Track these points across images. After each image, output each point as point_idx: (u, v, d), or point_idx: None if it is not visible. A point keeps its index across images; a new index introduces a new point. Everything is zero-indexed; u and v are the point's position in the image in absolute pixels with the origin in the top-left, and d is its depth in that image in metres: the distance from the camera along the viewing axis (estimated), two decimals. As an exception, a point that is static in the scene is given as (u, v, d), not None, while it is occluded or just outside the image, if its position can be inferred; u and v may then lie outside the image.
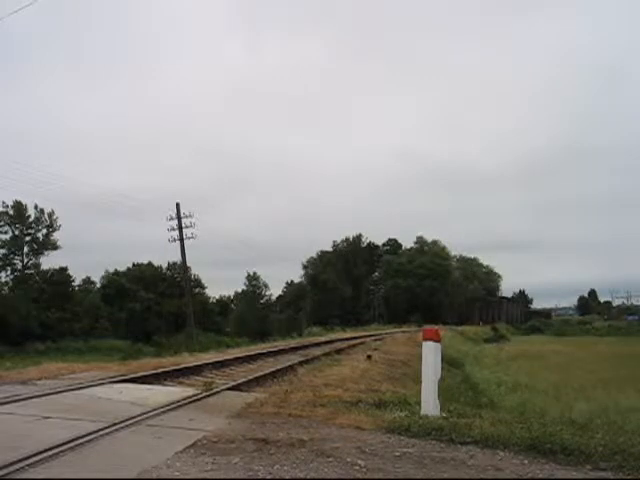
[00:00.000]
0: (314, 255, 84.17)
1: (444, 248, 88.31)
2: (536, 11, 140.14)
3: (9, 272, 49.62)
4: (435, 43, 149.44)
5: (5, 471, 3.73)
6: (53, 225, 51.16)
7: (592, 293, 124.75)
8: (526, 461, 4.40)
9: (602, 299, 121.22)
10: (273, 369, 11.19)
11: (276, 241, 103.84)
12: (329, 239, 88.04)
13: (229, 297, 66.25)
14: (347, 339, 26.08)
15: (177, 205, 38.59)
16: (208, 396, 7.35)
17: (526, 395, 13.56)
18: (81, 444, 4.51)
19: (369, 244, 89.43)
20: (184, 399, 6.91)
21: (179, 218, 38.19)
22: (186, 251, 38.37)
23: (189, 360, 12.48)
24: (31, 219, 50.36)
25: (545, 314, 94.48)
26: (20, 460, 3.93)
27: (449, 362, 18.65)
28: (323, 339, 26.21)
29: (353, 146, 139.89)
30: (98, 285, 58.58)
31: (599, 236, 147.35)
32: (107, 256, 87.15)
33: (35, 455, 4.08)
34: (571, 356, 26.47)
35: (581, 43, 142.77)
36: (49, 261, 51.16)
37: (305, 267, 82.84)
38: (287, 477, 3.90)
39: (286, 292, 76.63)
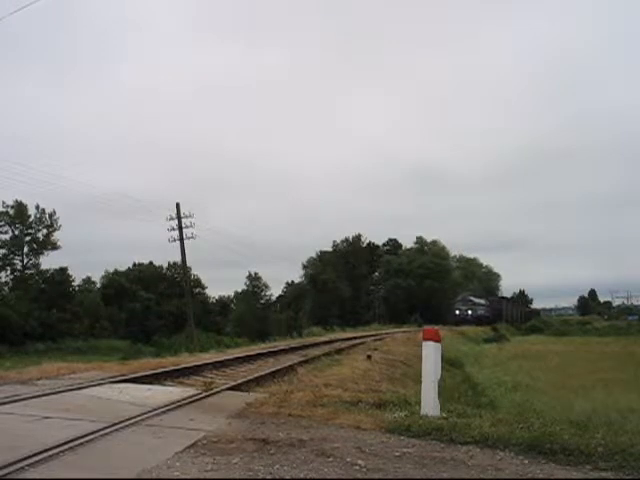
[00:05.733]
0: (314, 255, 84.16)
1: (444, 248, 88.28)
2: (535, 4, 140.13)
3: (9, 272, 49.72)
4: (434, 43, 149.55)
5: (5, 471, 3.72)
6: (53, 225, 51.27)
7: (592, 293, 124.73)
8: (526, 461, 4.40)
9: (602, 299, 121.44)
10: (273, 369, 11.19)
11: (276, 241, 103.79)
12: (329, 239, 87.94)
13: (229, 297, 66.25)
14: (347, 339, 26.02)
15: (177, 205, 38.54)
16: (208, 396, 7.34)
17: (526, 395, 13.56)
18: (81, 444, 4.51)
19: (369, 244, 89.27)
20: (184, 399, 6.90)
21: (179, 218, 38.12)
22: (186, 251, 38.28)
23: (189, 360, 12.47)
24: (31, 219, 50.45)
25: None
26: (20, 460, 3.93)
27: (449, 362, 18.63)
28: (323, 339, 26.19)
29: (353, 146, 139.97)
30: (98, 285, 58.62)
31: (599, 236, 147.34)
32: (107, 256, 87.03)
33: (35, 455, 4.07)
34: (571, 356, 26.39)
35: (579, 42, 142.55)
36: (49, 261, 51.26)
37: (305, 267, 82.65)
38: (287, 477, 3.90)
39: (286, 292, 76.52)
